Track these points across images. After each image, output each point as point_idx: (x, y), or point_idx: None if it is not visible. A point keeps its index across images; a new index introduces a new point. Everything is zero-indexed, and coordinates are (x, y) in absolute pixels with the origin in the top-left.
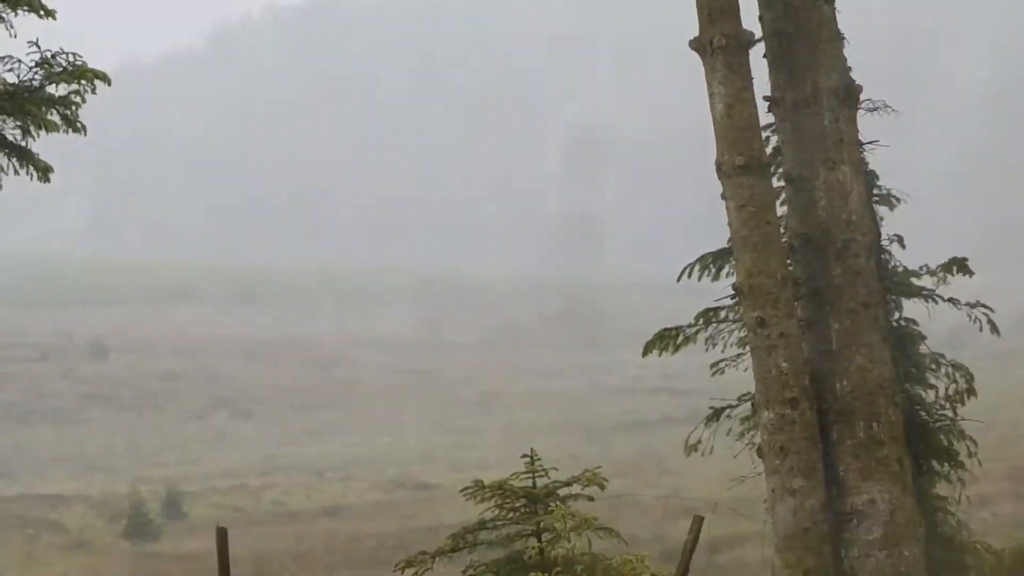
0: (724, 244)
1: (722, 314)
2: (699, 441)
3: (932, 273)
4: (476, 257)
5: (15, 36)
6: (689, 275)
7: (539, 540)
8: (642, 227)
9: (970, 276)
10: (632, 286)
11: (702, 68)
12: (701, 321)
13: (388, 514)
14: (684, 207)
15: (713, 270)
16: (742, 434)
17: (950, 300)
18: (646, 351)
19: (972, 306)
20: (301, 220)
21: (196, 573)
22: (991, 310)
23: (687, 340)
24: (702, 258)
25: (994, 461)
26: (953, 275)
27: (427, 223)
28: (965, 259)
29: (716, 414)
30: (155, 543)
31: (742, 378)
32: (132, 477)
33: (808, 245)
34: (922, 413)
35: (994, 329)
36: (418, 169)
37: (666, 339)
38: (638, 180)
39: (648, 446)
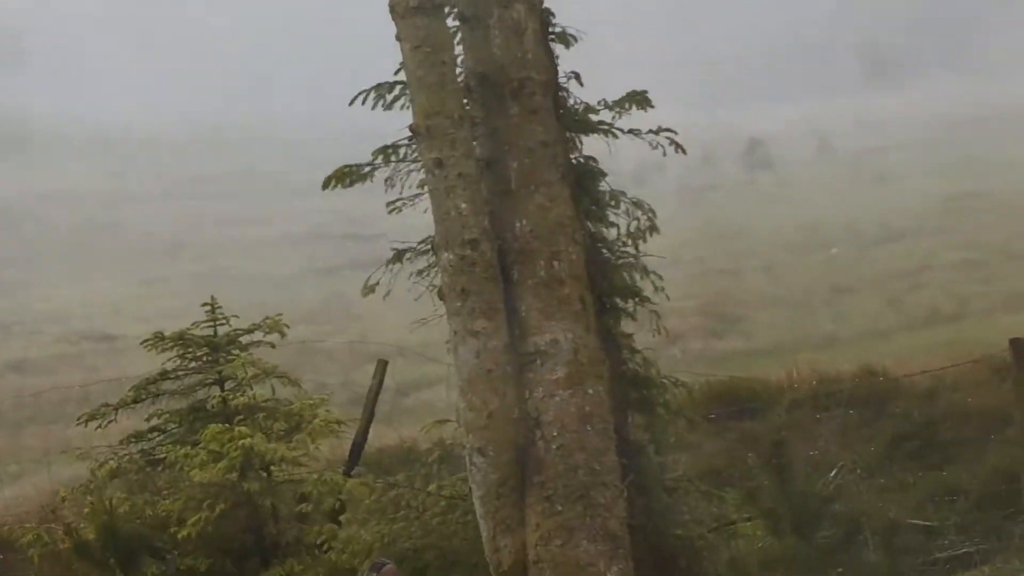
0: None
1: (401, 152)
2: (377, 283)
3: (610, 107)
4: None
5: None
6: (363, 101)
7: (221, 389)
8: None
9: (648, 109)
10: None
11: None
12: (380, 158)
13: (73, 367)
14: None
15: (388, 99)
16: (423, 276)
17: (630, 131)
18: (325, 185)
19: (655, 132)
20: None
21: None
22: (674, 132)
23: (364, 177)
24: (378, 86)
25: (683, 299)
26: (631, 109)
27: (108, 71)
28: (644, 91)
29: (398, 256)
30: None
31: (426, 223)
32: None
33: (484, 84)
34: (604, 251)
35: (679, 148)
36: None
37: (345, 175)
38: None
39: (335, 293)
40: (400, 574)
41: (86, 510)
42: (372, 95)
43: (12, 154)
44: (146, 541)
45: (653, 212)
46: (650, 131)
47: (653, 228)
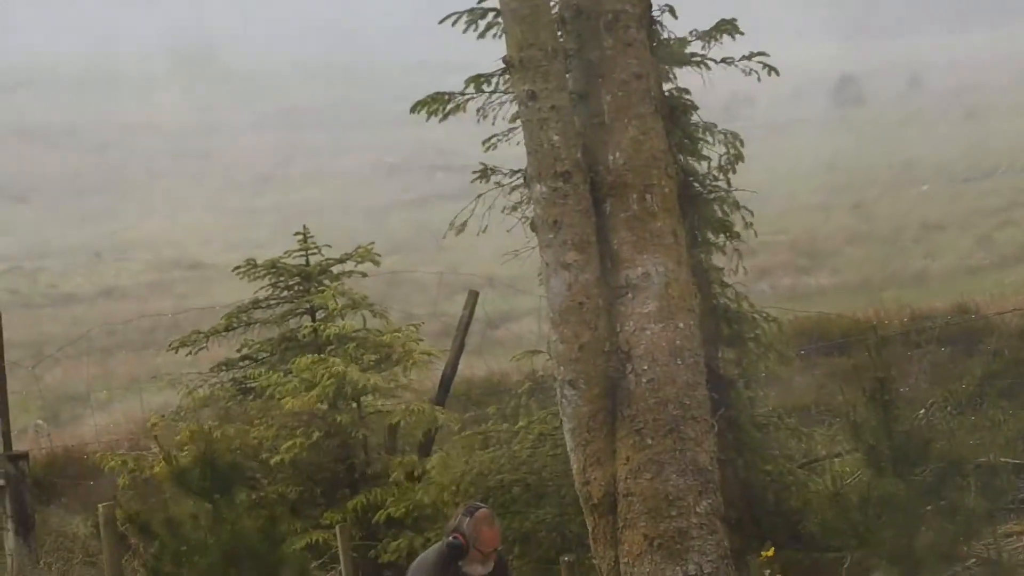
0: None
1: (493, 82)
2: (466, 221)
3: (701, 37)
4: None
5: None
6: (454, 23)
7: (312, 319)
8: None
9: (737, 37)
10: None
11: None
12: (472, 87)
13: (163, 295)
14: None
15: (480, 26)
16: (515, 208)
17: (723, 61)
18: (413, 109)
19: (747, 58)
20: (68, 4)
21: None
22: (766, 55)
23: (457, 107)
24: (471, 11)
25: (772, 234)
26: (721, 39)
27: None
28: (733, 20)
29: (484, 173)
30: None
31: (517, 155)
32: None
33: (578, 16)
34: (696, 184)
35: (772, 71)
36: None
37: (437, 101)
38: None
39: (425, 223)
40: (494, 518)
41: (182, 436)
42: (464, 18)
43: (102, 84)
44: (240, 469)
45: (741, 142)
46: (743, 57)
47: (739, 156)
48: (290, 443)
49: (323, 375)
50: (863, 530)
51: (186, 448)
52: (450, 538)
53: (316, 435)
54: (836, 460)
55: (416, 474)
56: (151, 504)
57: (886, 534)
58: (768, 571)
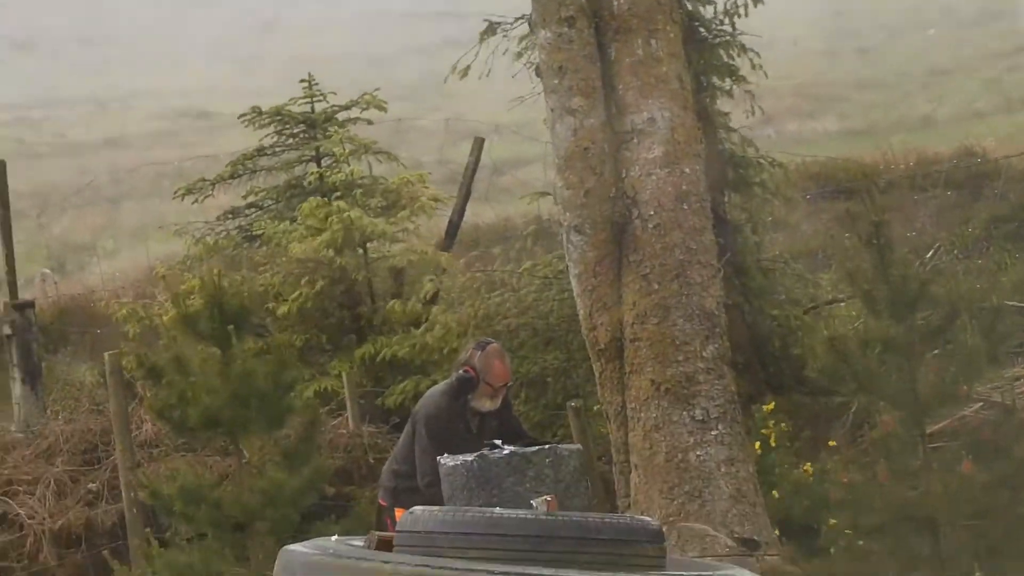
0: None
1: None
2: (470, 64)
3: None
4: None
5: None
6: None
7: (318, 165)
8: None
9: None
10: None
11: None
12: None
13: (169, 144)
14: None
15: None
16: (520, 54)
17: None
18: None
19: None
20: None
21: None
22: None
23: None
24: None
25: (778, 79)
26: None
27: None
28: None
29: (491, 28)
30: None
31: (523, 1)
32: None
33: None
34: (701, 29)
35: None
36: None
37: None
38: None
39: (431, 70)
40: (504, 353)
41: (189, 283)
42: None
43: None
44: (249, 314)
45: None
46: None
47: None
48: (296, 292)
49: (332, 220)
50: (863, 375)
51: (194, 295)
52: (460, 371)
53: (321, 282)
54: (842, 305)
55: (422, 320)
56: (159, 348)
57: (887, 378)
58: (773, 421)
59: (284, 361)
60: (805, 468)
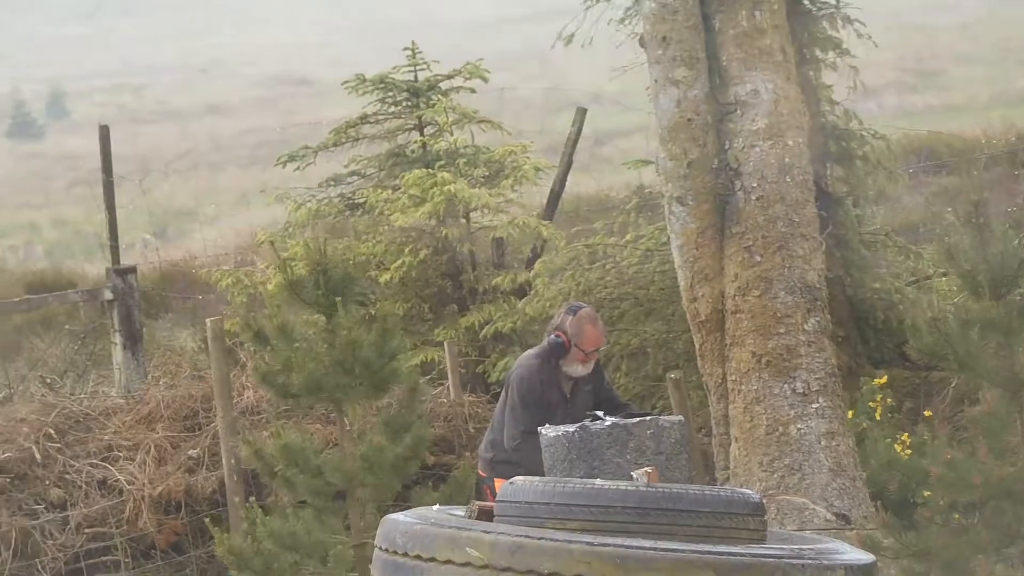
0: None
1: None
2: (573, 33)
3: None
4: None
5: None
6: None
7: (421, 134)
8: None
9: None
10: None
11: None
12: None
13: (270, 110)
14: None
15: None
16: (623, 22)
17: None
18: None
19: None
20: None
21: (80, 172)
22: None
23: None
24: None
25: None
26: None
27: None
28: None
29: None
30: (38, 142)
31: None
32: (13, 76)
33: None
34: (805, 1)
35: None
36: None
37: None
38: None
39: (532, 38)
40: (597, 317)
41: (292, 249)
42: None
43: None
44: (353, 283)
45: None
46: None
47: None
48: (399, 261)
49: (434, 191)
50: (963, 353)
51: (296, 262)
52: (552, 336)
53: (424, 252)
54: (943, 279)
55: (524, 290)
56: (264, 314)
57: (986, 357)
58: (880, 395)
59: (389, 330)
60: (904, 438)
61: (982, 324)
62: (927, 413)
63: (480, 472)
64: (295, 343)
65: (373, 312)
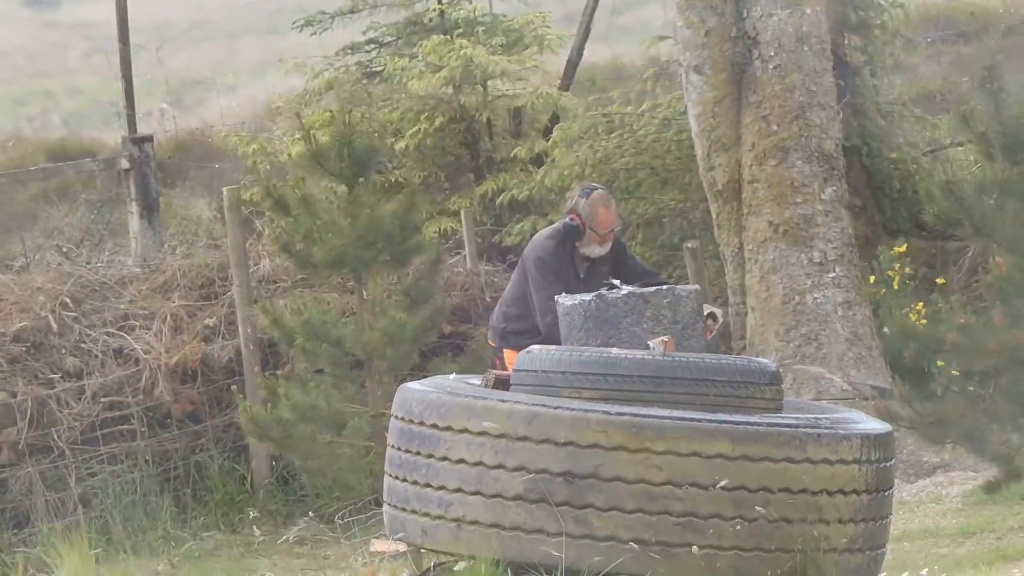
0: None
1: None
2: None
3: None
4: None
5: None
6: None
7: (439, 1)
8: None
9: None
10: None
11: None
12: None
13: None
14: None
15: None
16: None
17: None
18: None
19: None
20: None
21: (96, 40)
22: None
23: None
24: None
25: None
26: None
27: None
28: None
29: None
30: (54, 11)
31: None
32: None
33: None
34: None
35: None
36: None
37: None
38: None
39: None
40: (611, 199)
41: (313, 117)
42: None
43: None
44: (376, 154)
45: None
46: None
47: None
48: (415, 128)
49: (450, 56)
50: (979, 219)
51: (317, 129)
52: (566, 219)
53: (440, 119)
54: (960, 149)
55: (541, 157)
56: (284, 183)
57: (1003, 222)
58: (899, 264)
59: (412, 203)
60: (918, 307)
61: (998, 189)
62: (939, 280)
63: (490, 342)
64: (317, 218)
65: (396, 181)
